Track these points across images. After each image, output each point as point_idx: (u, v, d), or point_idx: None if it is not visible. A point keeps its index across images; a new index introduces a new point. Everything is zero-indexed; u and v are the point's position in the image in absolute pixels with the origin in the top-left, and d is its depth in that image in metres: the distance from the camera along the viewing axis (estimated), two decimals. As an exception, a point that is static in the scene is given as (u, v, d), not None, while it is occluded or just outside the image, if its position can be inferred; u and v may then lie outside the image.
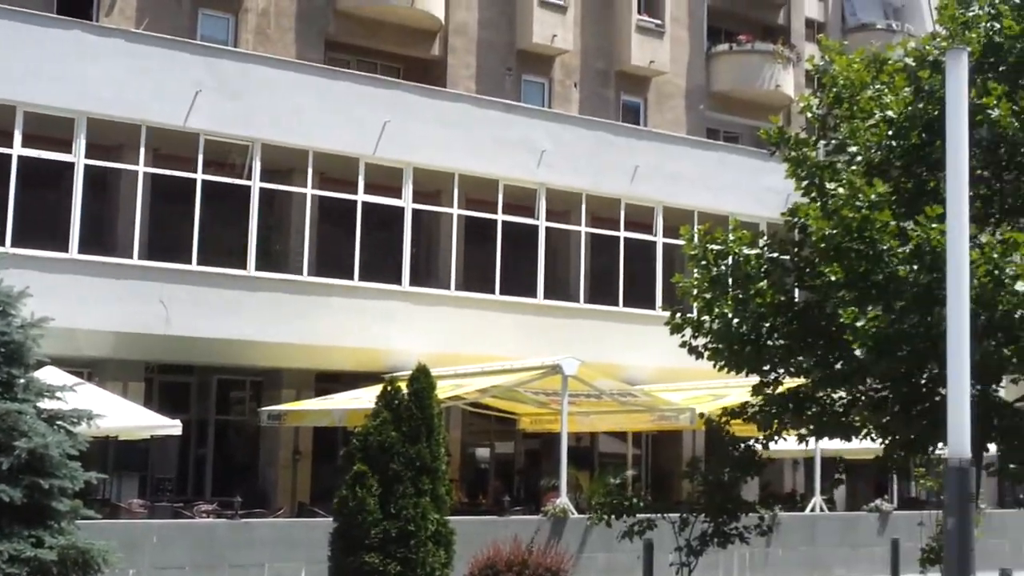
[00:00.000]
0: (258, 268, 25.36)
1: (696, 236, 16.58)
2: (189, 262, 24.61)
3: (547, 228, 28.46)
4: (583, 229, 29.16)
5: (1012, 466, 16.28)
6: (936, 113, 14.97)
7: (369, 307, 26.12)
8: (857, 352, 14.25)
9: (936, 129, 14.59)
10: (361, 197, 26.23)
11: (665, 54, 36.39)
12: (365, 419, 15.29)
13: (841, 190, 14.64)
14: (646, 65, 35.84)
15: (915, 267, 13.83)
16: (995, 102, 14.74)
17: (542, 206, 28.30)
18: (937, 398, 14.94)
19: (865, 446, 17.56)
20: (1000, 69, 15.85)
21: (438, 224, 28.41)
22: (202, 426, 27.68)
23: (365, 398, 21.20)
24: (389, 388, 15.26)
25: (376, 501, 14.42)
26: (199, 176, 24.75)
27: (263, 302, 25.25)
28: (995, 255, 13.34)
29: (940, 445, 15.06)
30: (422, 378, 15.30)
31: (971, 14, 16.32)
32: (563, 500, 23.21)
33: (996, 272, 13.23)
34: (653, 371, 27.94)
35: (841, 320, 14.04)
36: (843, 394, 16.23)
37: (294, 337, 25.43)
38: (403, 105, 27.22)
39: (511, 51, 33.99)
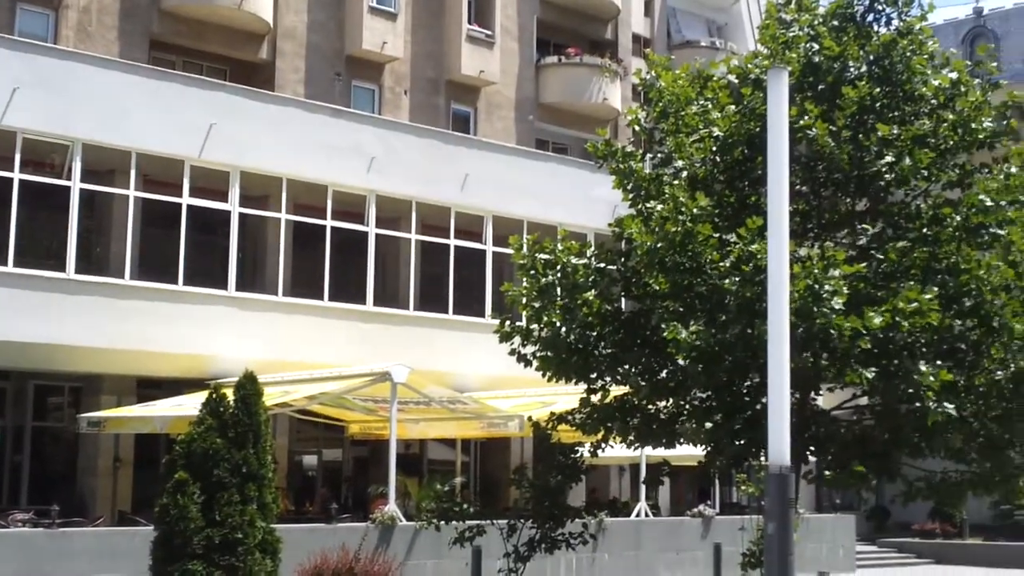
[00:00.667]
0: (78, 271, 24.69)
1: (525, 245, 16.74)
2: (5, 263, 23.82)
3: (377, 235, 28.36)
4: (413, 236, 29.14)
5: (828, 472, 16.83)
6: (758, 130, 15.41)
7: (194, 312, 25.64)
8: (681, 362, 14.56)
9: (758, 145, 15.02)
10: (186, 200, 25.75)
11: (495, 64, 36.64)
12: (189, 426, 15.02)
13: (661, 206, 14.95)
14: (476, 75, 36.02)
15: (737, 279, 14.18)
16: (813, 120, 15.24)
17: (372, 213, 28.20)
18: (758, 407, 15.36)
19: (689, 452, 17.96)
20: (819, 88, 16.40)
21: (266, 229, 28.06)
22: (18, 433, 26.81)
23: (188, 405, 20.84)
24: (215, 395, 15.02)
25: (199, 508, 14.18)
26: (16, 175, 23.97)
27: (83, 306, 24.57)
28: (815, 270, 13.77)
29: (761, 452, 15.47)
30: (249, 385, 15.10)
31: (791, 34, 16.84)
32: (391, 507, 23.16)
33: (816, 287, 13.65)
34: (482, 378, 28.07)
35: (664, 336, 14.33)
36: (668, 403, 16.57)
37: (115, 342, 24.80)
38: (230, 107, 26.82)
39: (340, 56, 33.79)
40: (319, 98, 31.09)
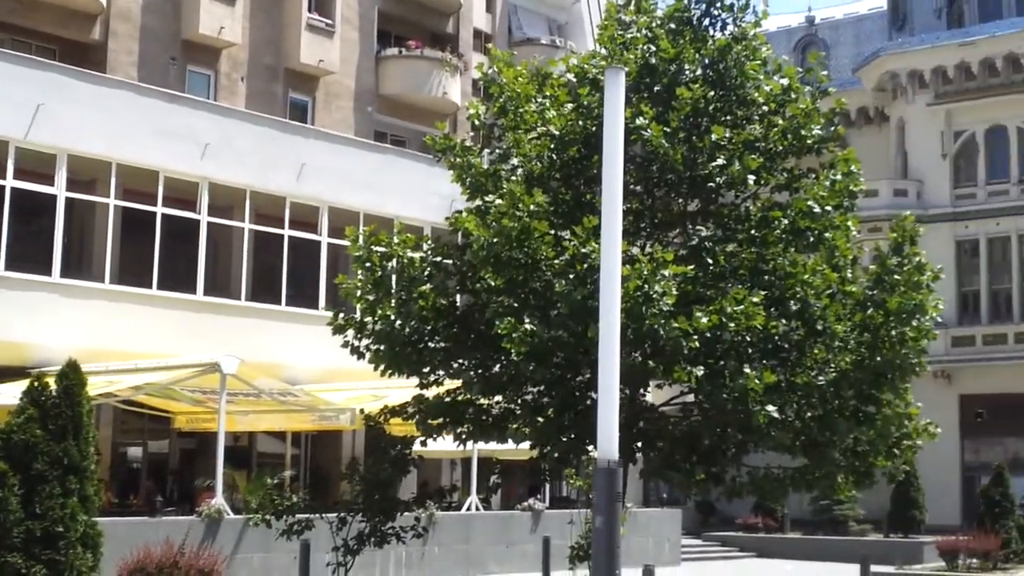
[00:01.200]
0: None
1: (361, 237, 16.64)
2: None
3: (209, 223, 27.82)
4: (247, 226, 28.67)
5: (659, 468, 17.10)
6: (594, 129, 15.58)
7: (15, 299, 24.78)
8: (514, 356, 14.63)
9: (594, 144, 15.18)
10: (10, 182, 24.86)
11: (335, 54, 36.29)
12: (8, 416, 14.52)
13: (500, 200, 15.01)
14: (315, 64, 35.62)
15: (569, 281, 14.31)
16: (648, 121, 15.47)
17: (204, 200, 27.66)
18: (589, 402, 15.54)
19: (520, 447, 18.06)
20: (655, 90, 16.66)
21: (93, 214, 27.29)
22: None
23: (8, 394, 20.16)
24: (36, 384, 14.54)
25: (18, 501, 13.72)
26: None
27: None
28: (645, 271, 13.97)
29: (591, 447, 15.64)
30: (72, 374, 14.65)
31: (629, 36, 17.08)
32: (218, 500, 22.78)
33: (645, 287, 13.85)
34: (315, 371, 27.79)
35: (498, 331, 14.39)
36: (501, 398, 16.64)
37: (-69, 329, 23.88)
38: (59, 88, 25.98)
39: (176, 40, 33.05)
40: (153, 82, 30.34)
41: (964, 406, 43.50)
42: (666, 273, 14.09)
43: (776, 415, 14.82)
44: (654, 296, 13.83)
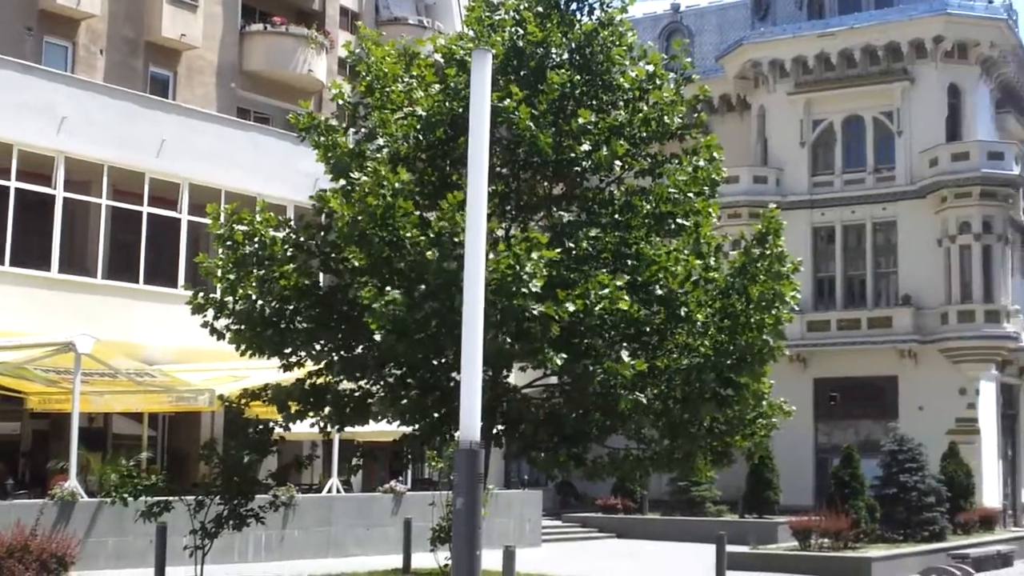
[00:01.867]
0: None
1: (223, 215, 16.38)
2: None
3: (65, 198, 27.10)
4: (104, 202, 27.99)
5: (522, 449, 17.19)
6: (461, 110, 15.55)
7: None
8: (377, 336, 14.56)
9: (460, 126, 15.16)
10: None
11: (198, 28, 35.62)
12: None
13: (366, 178, 14.91)
14: (177, 38, 34.92)
15: (436, 255, 14.28)
16: (516, 104, 15.49)
17: (60, 175, 26.93)
18: (452, 384, 15.54)
19: (382, 428, 17.99)
20: (522, 73, 16.69)
21: (-57, 188, 26.41)
22: None
23: None
24: None
25: None
26: None
27: None
28: (519, 251, 14.00)
29: (453, 428, 15.65)
30: (-82, 353, 14.20)
31: (497, 18, 17.09)
32: (72, 483, 22.27)
33: (517, 267, 13.88)
34: (174, 351, 27.29)
35: (362, 301, 14.29)
36: (364, 380, 16.55)
37: None
38: (-93, 57, 25.07)
39: (32, 10, 32.10)
40: (7, 53, 29.36)
41: (818, 389, 44.54)
42: (536, 256, 14.14)
43: (642, 400, 15.02)
44: (524, 276, 13.88)
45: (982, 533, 35.30)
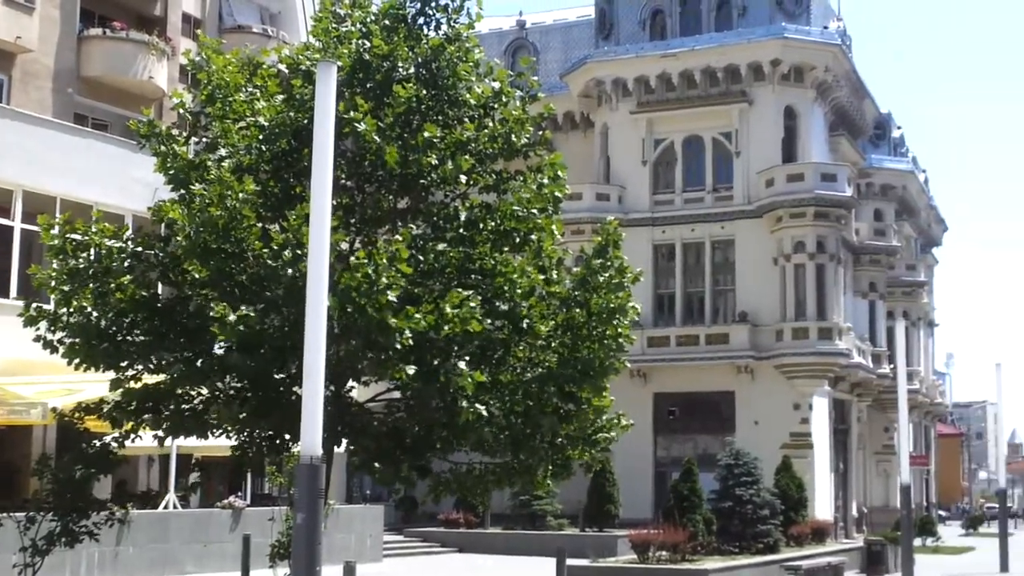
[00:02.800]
0: None
1: (57, 225, 15.94)
2: None
3: None
4: (-68, 208, 27.01)
5: (362, 463, 17.06)
6: (306, 122, 15.40)
7: None
8: (219, 349, 14.32)
9: (305, 137, 15.00)
10: None
11: (34, 31, 34.60)
12: None
13: (208, 188, 14.66)
14: (12, 40, 33.87)
15: (280, 267, 14.12)
16: (362, 117, 15.41)
17: None
18: (293, 397, 15.36)
19: (221, 443, 17.68)
20: (368, 86, 16.61)
21: None
22: None
23: None
24: None
25: None
26: None
27: None
28: (381, 262, 13.93)
29: (294, 443, 15.47)
30: None
31: (344, 30, 16.97)
32: None
33: (373, 277, 13.80)
34: (6, 363, 26.39)
35: (211, 315, 14.04)
36: (203, 391, 16.25)
37: None
38: None
39: None
40: None
41: (658, 404, 45.29)
42: (394, 269, 14.07)
43: (484, 412, 15.05)
44: (380, 287, 13.80)
45: (814, 545, 36.24)
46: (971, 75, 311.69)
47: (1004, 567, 35.18)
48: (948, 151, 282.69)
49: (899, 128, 63.29)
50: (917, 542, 43.95)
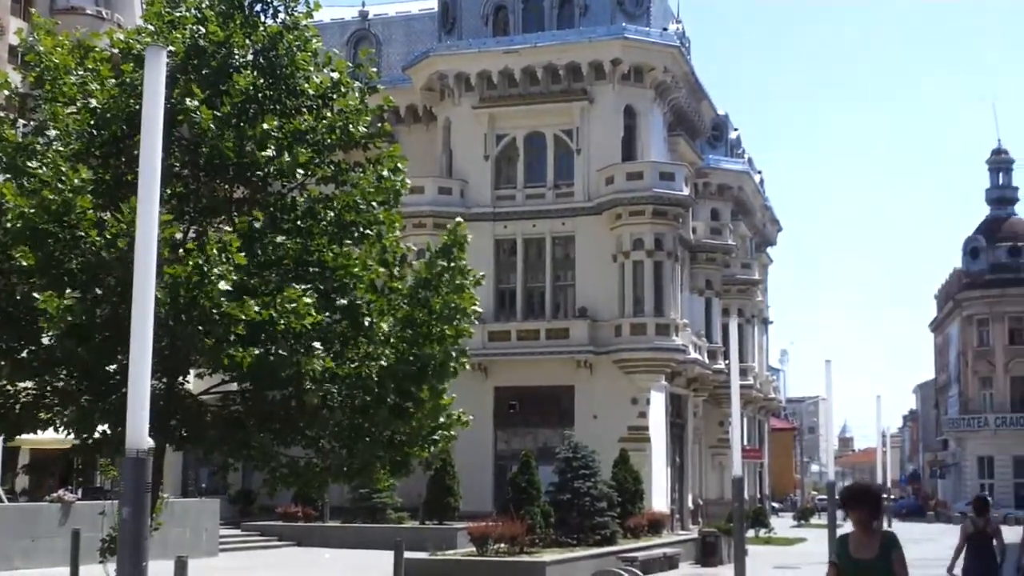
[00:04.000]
0: None
1: None
2: None
3: None
4: None
5: (195, 455, 16.82)
6: (138, 107, 15.06)
7: None
8: (47, 340, 13.94)
9: (137, 123, 14.66)
10: None
11: None
12: None
13: (44, 170, 14.27)
14: None
15: (113, 256, 13.81)
16: (197, 105, 15.15)
17: None
18: (125, 390, 15.03)
19: (51, 436, 17.21)
20: (204, 72, 16.32)
21: None
22: None
23: None
24: None
25: None
26: None
27: None
28: (213, 252, 13.70)
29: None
30: None
31: (178, 14, 16.64)
32: None
33: (205, 268, 13.57)
34: None
35: (37, 305, 13.65)
36: (32, 384, 15.80)
37: None
38: None
39: None
40: None
41: (499, 397, 45.52)
42: (226, 260, 13.87)
43: (335, 391, 14.96)
44: (212, 278, 13.58)
45: (650, 537, 36.86)
46: (807, 80, 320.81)
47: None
48: (782, 153, 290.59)
49: (736, 130, 64.71)
50: (750, 533, 45.16)
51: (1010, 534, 19.24)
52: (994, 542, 16.94)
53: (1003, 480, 79.80)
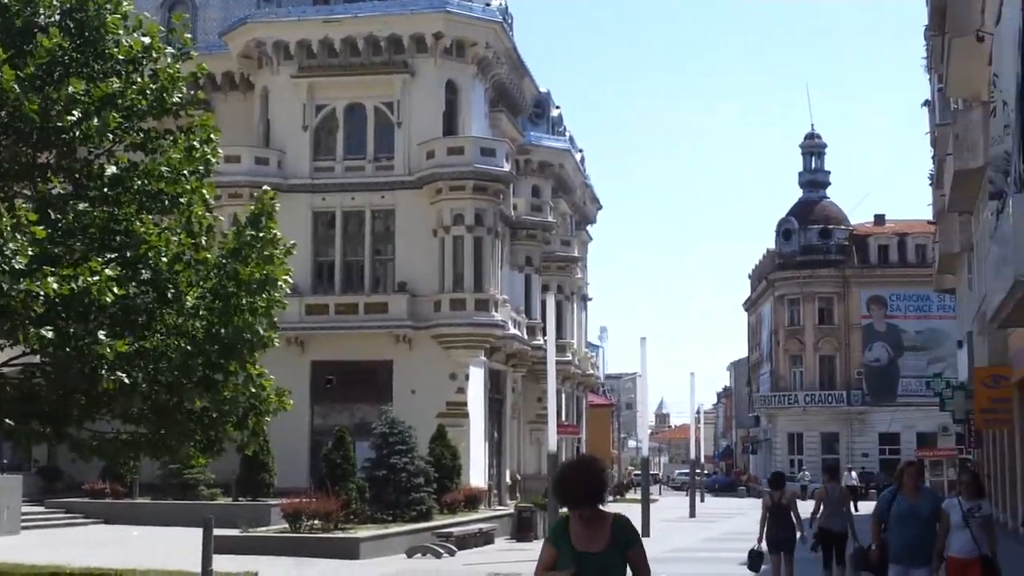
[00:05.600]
0: None
1: None
2: None
3: None
4: None
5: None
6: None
7: None
8: None
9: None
10: None
11: None
12: None
13: None
14: None
15: None
16: (0, 65, 14.52)
17: None
18: None
19: None
20: (7, 31, 15.66)
21: None
22: None
23: None
24: None
25: None
26: None
27: None
28: (6, 228, 13.15)
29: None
30: None
31: (-21, -30, 15.91)
32: None
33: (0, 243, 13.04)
34: None
35: None
36: None
37: None
38: None
39: None
40: None
41: (316, 372, 45.02)
42: (20, 236, 13.31)
43: (126, 381, 14.51)
44: (7, 254, 13.02)
45: (467, 512, 37.01)
46: (630, 61, 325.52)
47: (645, 531, 36.94)
48: (604, 133, 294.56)
49: (558, 108, 65.14)
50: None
51: (805, 506, 20.57)
52: (791, 513, 18.61)
53: (812, 455, 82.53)
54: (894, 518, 12.95)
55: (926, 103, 50.23)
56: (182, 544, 28.14)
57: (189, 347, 15.45)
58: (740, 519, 46.55)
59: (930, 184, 49.61)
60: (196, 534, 24.34)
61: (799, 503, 19.24)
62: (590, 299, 77.48)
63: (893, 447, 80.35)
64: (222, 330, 15.72)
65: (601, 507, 7.07)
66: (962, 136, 30.49)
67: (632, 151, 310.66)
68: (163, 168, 15.82)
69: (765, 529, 18.74)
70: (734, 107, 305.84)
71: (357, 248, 46.55)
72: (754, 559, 18.84)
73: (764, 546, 18.74)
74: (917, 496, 12.96)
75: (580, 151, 69.52)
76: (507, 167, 46.46)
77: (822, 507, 18.87)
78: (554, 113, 63.84)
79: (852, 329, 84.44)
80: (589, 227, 77.31)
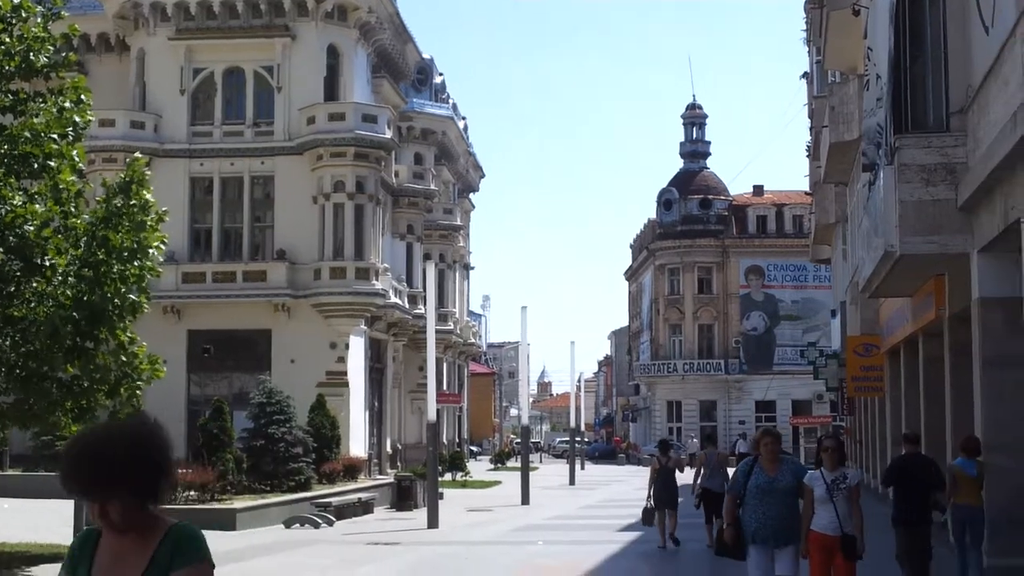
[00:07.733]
0: None
1: None
2: None
3: None
4: None
5: None
6: None
7: None
8: None
9: None
10: None
11: None
12: None
13: None
14: None
15: None
16: None
17: None
18: None
19: None
20: None
21: None
22: None
23: None
24: None
25: None
26: None
27: None
28: None
29: None
30: None
31: None
32: None
33: None
34: None
35: None
36: None
37: None
38: None
39: None
40: None
41: (192, 341, 44.31)
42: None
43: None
44: None
45: (346, 482, 36.80)
46: (514, 29, 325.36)
47: (525, 499, 37.12)
48: (488, 101, 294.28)
49: (441, 75, 64.81)
50: (447, 477, 45.76)
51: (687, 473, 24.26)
52: (676, 473, 22.04)
53: (690, 423, 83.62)
54: (751, 494, 11.47)
55: (805, 75, 50.89)
56: (53, 517, 27.54)
57: (58, 314, 15.05)
58: (618, 486, 47.05)
59: (807, 156, 50.36)
60: (68, 506, 23.89)
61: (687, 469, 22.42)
62: (472, 268, 77.46)
63: (769, 415, 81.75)
64: (91, 298, 15.34)
65: (152, 507, 3.95)
66: (838, 108, 30.99)
67: (515, 120, 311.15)
68: (27, 132, 15.34)
69: (653, 489, 21.36)
70: (617, 77, 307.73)
71: (236, 215, 45.84)
72: (647, 515, 21.64)
73: (652, 503, 21.55)
74: (776, 468, 11.49)
75: (463, 119, 69.32)
76: (389, 134, 46.08)
77: (703, 469, 21.26)
78: (437, 80, 63.52)
79: (731, 298, 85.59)
80: (472, 195, 77.20)
